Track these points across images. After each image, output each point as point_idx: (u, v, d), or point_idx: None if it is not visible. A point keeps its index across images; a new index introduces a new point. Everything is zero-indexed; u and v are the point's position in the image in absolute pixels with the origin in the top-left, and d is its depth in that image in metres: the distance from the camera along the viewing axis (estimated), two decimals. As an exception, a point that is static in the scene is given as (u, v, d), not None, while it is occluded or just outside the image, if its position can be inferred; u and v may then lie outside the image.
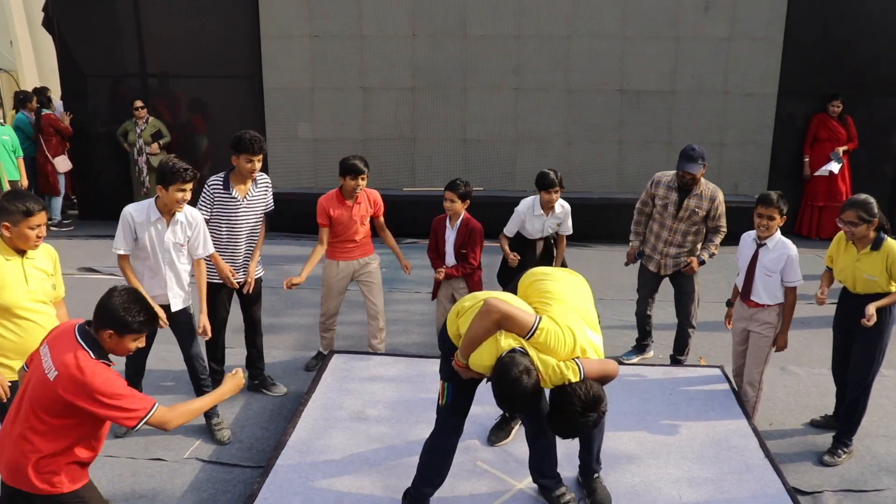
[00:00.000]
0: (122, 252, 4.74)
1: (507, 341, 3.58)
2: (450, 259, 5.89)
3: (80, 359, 3.06)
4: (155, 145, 9.92)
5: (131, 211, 4.73)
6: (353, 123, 9.76)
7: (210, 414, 5.17)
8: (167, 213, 4.73)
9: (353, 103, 9.73)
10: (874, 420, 4.98)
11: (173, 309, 4.90)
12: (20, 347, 3.83)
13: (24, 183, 9.43)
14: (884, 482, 4.74)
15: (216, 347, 5.57)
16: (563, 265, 6.24)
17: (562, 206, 6.03)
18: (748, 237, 5.21)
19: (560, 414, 3.56)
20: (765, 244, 5.07)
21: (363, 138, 9.75)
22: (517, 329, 3.59)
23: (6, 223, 3.75)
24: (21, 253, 3.86)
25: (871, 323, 4.59)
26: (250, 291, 5.51)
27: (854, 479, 4.77)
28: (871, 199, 4.63)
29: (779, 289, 5.06)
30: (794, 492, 4.33)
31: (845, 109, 9.49)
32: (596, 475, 4.24)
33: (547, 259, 6.17)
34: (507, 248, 6.08)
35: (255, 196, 5.37)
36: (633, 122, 9.67)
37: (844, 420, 4.93)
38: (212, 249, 5.06)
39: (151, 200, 4.76)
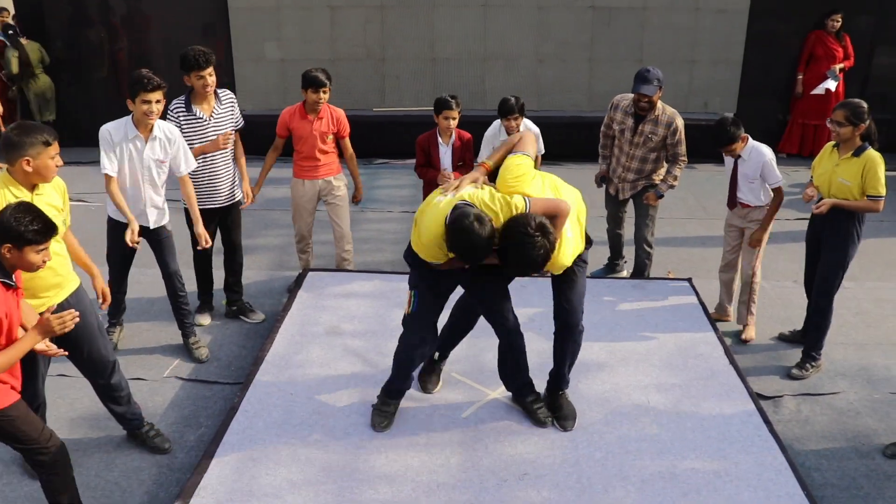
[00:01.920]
0: (109, 172, 4.63)
1: (447, 201, 3.69)
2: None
3: None
4: None
5: (109, 129, 4.64)
6: (321, 43, 9.57)
7: (187, 333, 5.22)
8: (144, 129, 4.65)
9: (321, 22, 9.52)
10: (833, 328, 5.15)
11: (152, 226, 4.88)
12: (28, 289, 3.61)
13: None
14: (839, 385, 4.96)
15: (205, 279, 5.58)
16: None
17: (529, 130, 6.01)
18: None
19: (512, 246, 3.55)
20: (740, 156, 5.21)
21: (331, 58, 9.57)
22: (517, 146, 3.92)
23: (27, 157, 3.55)
24: (31, 188, 3.67)
25: (818, 211, 4.76)
26: (250, 202, 5.55)
27: (812, 384, 4.97)
28: (864, 105, 4.68)
29: (764, 192, 5.22)
30: (756, 396, 4.52)
31: (826, 26, 9.39)
32: (561, 392, 4.31)
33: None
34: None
35: (222, 113, 5.28)
36: (604, 39, 9.58)
37: (811, 332, 5.10)
38: (194, 164, 4.98)
39: (128, 118, 4.66)
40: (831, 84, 9.28)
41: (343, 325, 5.17)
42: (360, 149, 9.71)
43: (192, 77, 5.06)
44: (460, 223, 3.51)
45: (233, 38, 9.53)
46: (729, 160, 5.34)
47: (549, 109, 9.50)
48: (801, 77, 9.65)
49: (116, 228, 4.86)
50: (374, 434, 4.09)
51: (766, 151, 5.16)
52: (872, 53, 9.88)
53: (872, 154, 4.69)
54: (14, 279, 3.21)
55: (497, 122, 5.97)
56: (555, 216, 3.70)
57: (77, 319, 3.23)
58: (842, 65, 9.41)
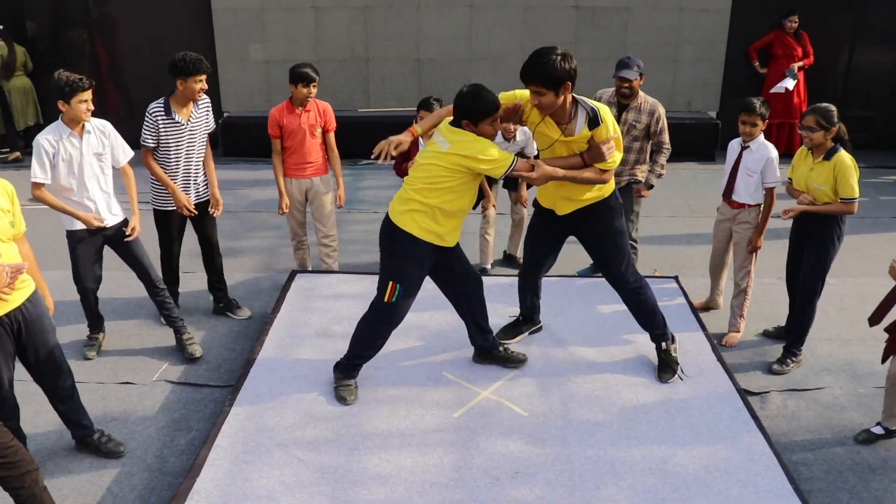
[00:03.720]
0: (39, 180, 4.62)
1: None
2: None
3: None
4: None
5: (43, 136, 4.64)
6: (306, 44, 9.57)
7: (178, 329, 5.21)
8: (76, 126, 4.67)
9: (305, 23, 9.52)
10: (817, 324, 5.22)
11: (109, 224, 4.87)
12: None
13: None
14: (824, 380, 5.02)
15: (170, 274, 5.56)
16: (530, 185, 6.31)
17: (523, 133, 6.04)
18: (734, 143, 5.43)
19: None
20: (748, 146, 5.28)
21: (316, 59, 9.56)
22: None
23: None
24: None
25: (785, 217, 4.92)
26: (219, 212, 5.52)
27: (798, 379, 5.04)
28: (833, 108, 4.76)
29: (758, 189, 5.28)
30: (743, 392, 4.57)
31: (800, 25, 9.51)
32: (658, 346, 4.73)
33: (512, 180, 6.23)
34: None
35: (198, 118, 5.30)
36: (588, 38, 9.64)
37: (793, 329, 5.16)
38: (131, 153, 5.01)
39: (57, 122, 4.67)
40: (789, 83, 9.42)
41: (333, 327, 5.17)
42: (346, 150, 9.70)
43: (189, 81, 5.04)
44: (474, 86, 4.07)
45: (216, 40, 9.52)
46: (732, 151, 5.40)
47: (534, 109, 9.52)
48: (755, 63, 9.75)
49: (74, 240, 4.89)
50: (366, 435, 4.10)
51: (773, 150, 5.25)
52: (852, 50, 10.01)
53: (843, 156, 4.76)
54: None
55: None
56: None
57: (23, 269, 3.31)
58: (800, 63, 9.54)
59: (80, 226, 4.80)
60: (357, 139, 9.52)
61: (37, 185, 4.65)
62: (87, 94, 4.56)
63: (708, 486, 3.74)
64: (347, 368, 4.45)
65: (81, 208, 4.76)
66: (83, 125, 4.69)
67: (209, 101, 5.45)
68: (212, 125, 5.47)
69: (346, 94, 9.74)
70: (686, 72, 9.77)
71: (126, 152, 4.98)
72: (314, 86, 5.63)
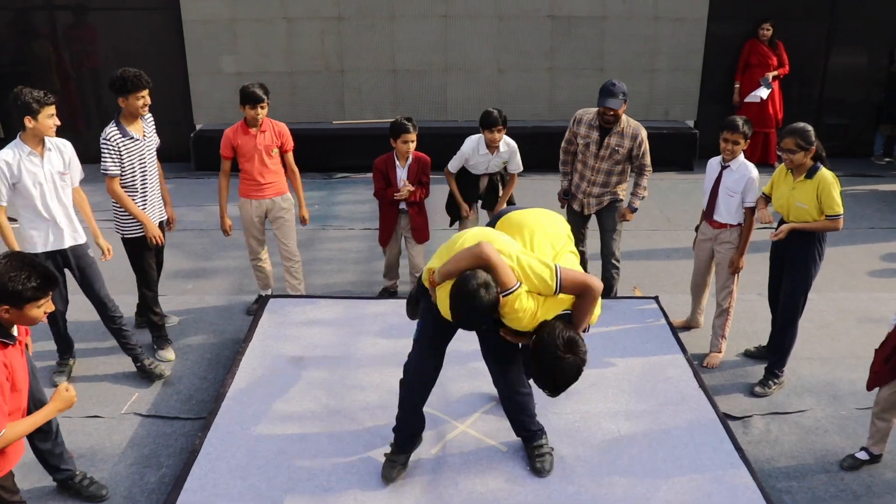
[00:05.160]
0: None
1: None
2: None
3: None
4: None
5: (2, 156, 4.49)
6: (278, 55, 9.41)
7: (137, 357, 5.07)
8: (37, 144, 4.54)
9: (277, 34, 9.36)
10: (799, 343, 5.17)
11: (67, 244, 4.74)
12: None
13: None
14: (807, 403, 4.97)
15: (153, 303, 5.40)
16: (511, 202, 6.22)
17: (507, 145, 5.95)
18: (714, 161, 5.37)
19: (544, 368, 3.42)
20: (728, 166, 5.22)
21: (289, 71, 9.43)
22: (497, 277, 3.46)
23: None
24: None
25: (774, 237, 4.86)
26: (173, 228, 5.43)
27: (780, 402, 4.98)
28: (809, 127, 4.71)
29: (739, 209, 5.23)
30: (725, 418, 4.50)
31: (774, 33, 9.51)
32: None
33: (492, 194, 6.14)
34: (454, 186, 6.13)
35: (149, 133, 5.22)
36: (564, 48, 9.56)
37: (775, 349, 5.11)
38: (83, 175, 4.91)
39: (15, 140, 4.54)
40: (763, 92, 9.43)
41: (306, 356, 5.04)
42: (320, 163, 9.63)
43: (131, 98, 4.93)
44: (467, 284, 3.34)
45: (187, 52, 9.33)
46: (712, 170, 5.34)
47: (511, 120, 9.42)
48: (738, 86, 9.78)
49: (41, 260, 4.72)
50: (341, 475, 3.98)
51: (754, 170, 5.19)
52: (827, 58, 10.02)
53: (825, 174, 4.72)
54: (14, 334, 3.07)
55: (476, 137, 5.92)
56: (584, 291, 3.54)
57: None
58: (775, 72, 9.55)
59: (40, 247, 4.66)
60: (332, 152, 9.43)
61: None
62: (53, 109, 4.46)
63: (692, 524, 3.66)
64: (400, 442, 4.04)
65: (41, 230, 4.62)
66: (44, 143, 4.56)
67: (152, 116, 5.33)
68: (158, 140, 5.36)
69: (321, 106, 9.59)
70: (663, 81, 9.72)
71: (80, 173, 4.89)
72: (262, 106, 5.50)
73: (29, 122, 4.42)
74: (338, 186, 9.22)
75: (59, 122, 4.54)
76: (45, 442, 3.93)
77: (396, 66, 9.55)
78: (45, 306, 3.08)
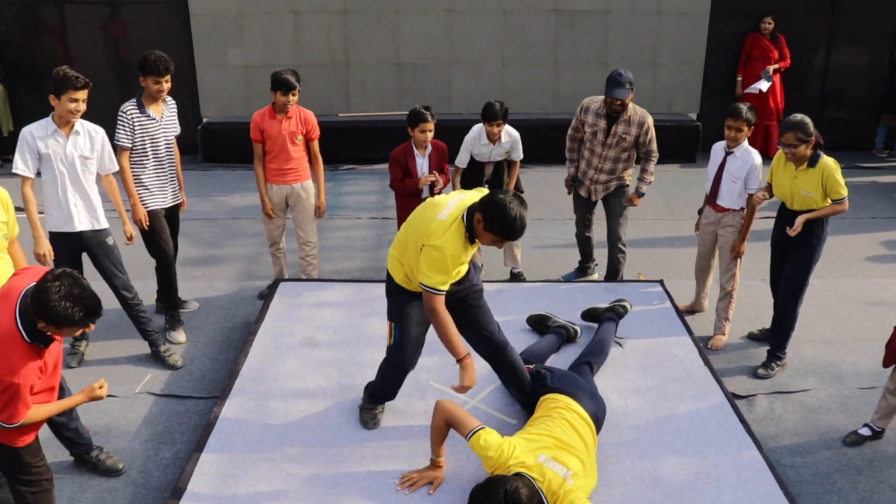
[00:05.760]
0: (21, 173, 4.60)
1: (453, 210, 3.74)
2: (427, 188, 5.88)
3: (3, 335, 3.00)
4: None
5: (30, 129, 4.60)
6: (285, 48, 9.49)
7: (154, 342, 5.15)
8: (64, 125, 4.61)
9: (284, 27, 9.44)
10: (801, 326, 5.25)
11: (78, 228, 4.78)
12: None
13: None
14: (810, 383, 5.05)
15: (170, 287, 5.48)
16: (518, 188, 6.28)
17: (508, 135, 6.00)
18: (718, 146, 5.43)
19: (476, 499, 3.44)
20: (732, 152, 5.29)
21: (295, 64, 9.45)
22: (458, 429, 3.68)
23: None
24: None
25: (793, 232, 4.85)
26: (185, 208, 5.49)
27: (784, 382, 5.06)
28: (807, 119, 4.76)
29: (742, 195, 5.31)
30: (731, 396, 4.57)
31: (777, 27, 9.58)
32: None
33: (497, 182, 6.21)
34: (458, 184, 6.11)
35: (169, 118, 5.31)
36: (568, 42, 9.64)
37: (777, 333, 5.17)
38: (116, 167, 4.98)
39: (48, 118, 4.64)
40: (763, 85, 9.50)
41: (318, 336, 5.12)
42: (326, 155, 9.60)
43: (150, 80, 5.07)
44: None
45: (195, 45, 9.40)
46: (716, 154, 5.41)
47: (515, 112, 9.50)
48: (740, 79, 9.85)
49: (55, 243, 4.82)
50: (355, 446, 4.05)
51: (757, 157, 5.26)
52: (829, 53, 10.10)
53: (826, 161, 4.79)
54: (52, 337, 3.14)
55: (478, 126, 5.97)
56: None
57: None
58: (776, 65, 9.62)
59: (55, 227, 4.74)
60: (338, 144, 9.50)
61: (22, 179, 4.61)
62: (80, 94, 4.49)
63: (699, 493, 3.73)
64: (373, 397, 4.27)
65: (58, 210, 4.69)
66: (72, 125, 4.62)
67: (175, 104, 5.42)
68: (178, 128, 5.45)
69: (326, 98, 9.66)
70: (666, 75, 9.80)
71: (113, 161, 4.94)
72: (293, 94, 5.55)
73: (52, 101, 4.51)
74: (344, 178, 9.30)
75: (82, 108, 4.57)
76: (60, 416, 3.98)
77: (401, 59, 9.62)
78: (86, 328, 3.12)
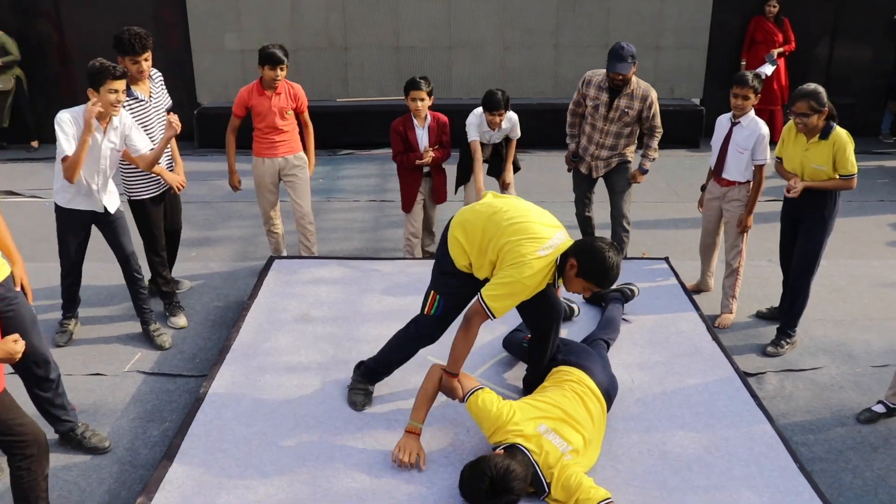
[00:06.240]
0: (68, 153, 4.34)
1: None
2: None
3: None
4: None
5: (71, 113, 4.35)
6: (282, 32, 9.33)
7: (146, 320, 5.00)
8: (102, 118, 4.38)
9: (282, 11, 9.29)
10: (811, 305, 5.09)
11: (111, 210, 4.66)
12: None
13: None
14: (821, 361, 4.90)
15: (161, 267, 5.26)
16: (516, 167, 6.15)
17: (508, 120, 5.84)
18: (724, 118, 5.27)
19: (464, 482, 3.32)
20: (739, 122, 5.13)
21: (293, 48, 9.30)
22: (454, 392, 3.63)
23: None
24: None
25: (792, 194, 4.72)
26: (183, 186, 5.21)
27: (794, 360, 4.91)
28: (821, 89, 4.61)
29: (749, 167, 5.14)
30: (741, 372, 4.42)
31: (781, 11, 9.43)
32: None
33: (496, 160, 6.06)
34: (479, 163, 5.82)
35: (158, 93, 5.09)
36: (569, 25, 9.49)
37: (787, 310, 5.02)
38: (150, 143, 4.75)
39: (83, 106, 4.38)
40: (767, 69, 9.31)
41: (312, 312, 4.96)
42: (324, 139, 9.53)
43: (127, 61, 4.79)
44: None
45: (191, 29, 9.27)
46: (721, 126, 5.25)
47: (516, 97, 9.35)
48: (744, 63, 9.69)
49: (66, 216, 4.65)
50: (348, 421, 3.89)
51: (764, 127, 5.10)
52: (834, 39, 9.94)
53: (840, 133, 4.64)
54: None
55: (478, 111, 5.80)
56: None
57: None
58: (780, 49, 9.46)
59: (73, 205, 4.58)
60: (336, 129, 9.35)
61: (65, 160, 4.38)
62: (119, 84, 4.26)
63: (710, 467, 3.57)
64: (368, 376, 4.09)
65: (75, 191, 4.51)
66: (110, 119, 4.42)
67: (160, 74, 5.21)
68: (170, 101, 5.23)
69: (324, 83, 9.52)
70: (669, 58, 9.65)
71: (146, 141, 4.70)
72: (282, 68, 5.40)
73: (91, 95, 4.29)
74: (342, 162, 9.15)
75: (121, 99, 4.33)
76: (45, 391, 3.85)
77: (400, 43, 9.48)
78: None
